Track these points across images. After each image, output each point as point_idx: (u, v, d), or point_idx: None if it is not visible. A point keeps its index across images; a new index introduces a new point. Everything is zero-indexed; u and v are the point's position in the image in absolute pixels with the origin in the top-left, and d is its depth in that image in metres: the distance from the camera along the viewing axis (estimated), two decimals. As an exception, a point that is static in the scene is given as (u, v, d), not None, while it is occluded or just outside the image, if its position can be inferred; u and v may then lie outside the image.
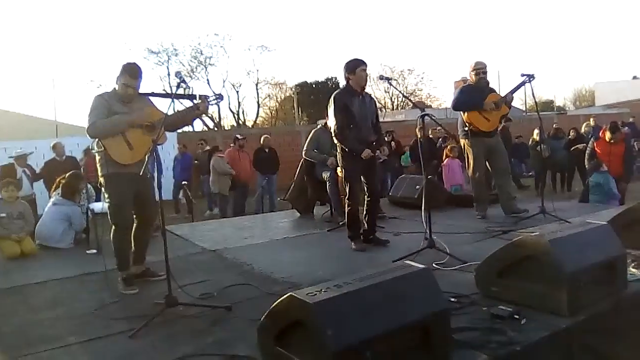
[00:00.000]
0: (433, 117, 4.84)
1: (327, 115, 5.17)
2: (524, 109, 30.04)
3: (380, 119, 5.40)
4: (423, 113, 4.67)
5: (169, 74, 30.62)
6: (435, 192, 6.90)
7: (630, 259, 3.57)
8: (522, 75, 5.93)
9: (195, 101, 4.14)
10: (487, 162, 6.27)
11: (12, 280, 4.60)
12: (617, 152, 8.14)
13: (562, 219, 5.55)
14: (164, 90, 26.03)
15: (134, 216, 4.15)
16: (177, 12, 50.47)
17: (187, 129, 16.29)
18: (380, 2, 63.08)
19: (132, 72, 4.02)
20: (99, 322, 3.36)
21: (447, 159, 9.90)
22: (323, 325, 2.10)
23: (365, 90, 5.09)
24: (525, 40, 74.37)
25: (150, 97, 4.39)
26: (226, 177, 10.91)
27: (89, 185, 6.60)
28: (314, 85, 36.79)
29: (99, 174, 4.06)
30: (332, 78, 36.40)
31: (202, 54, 32.07)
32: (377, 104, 5.60)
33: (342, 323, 2.14)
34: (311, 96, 35.32)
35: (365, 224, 5.14)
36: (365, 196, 5.12)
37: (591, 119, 14.91)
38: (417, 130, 10.54)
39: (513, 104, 6.48)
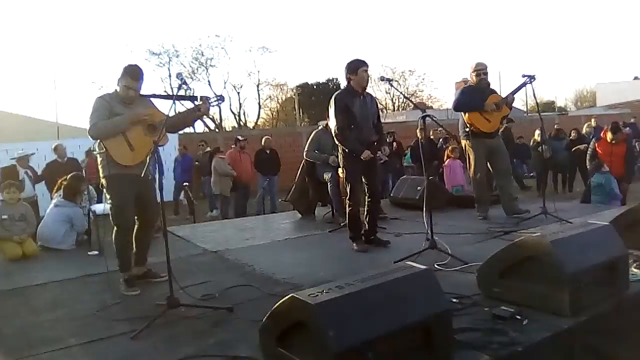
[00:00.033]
0: (434, 118, 4.83)
1: (328, 116, 5.18)
2: (525, 109, 30.05)
3: (382, 120, 5.40)
4: (424, 114, 4.67)
5: (170, 76, 30.70)
6: (436, 192, 6.90)
7: (632, 260, 3.57)
8: (523, 76, 5.93)
9: (196, 102, 4.14)
10: (488, 163, 6.27)
11: (13, 281, 4.61)
12: (618, 153, 8.14)
13: (564, 219, 5.54)
14: (165, 91, 26.07)
15: (135, 217, 4.15)
16: (178, 14, 50.64)
17: (188, 130, 16.37)
18: (381, 3, 63.15)
19: (133, 73, 4.03)
20: (100, 324, 3.36)
21: (448, 160, 9.90)
22: (325, 326, 2.10)
23: (367, 91, 5.09)
24: (526, 41, 74.43)
25: (152, 99, 4.39)
26: (227, 179, 10.92)
27: (90, 187, 6.61)
28: (315, 87, 36.82)
29: (101, 175, 4.07)
30: (333, 79, 36.45)
31: (203, 55, 32.15)
32: (379, 104, 5.59)
33: (344, 324, 2.14)
34: (312, 97, 35.35)
35: (366, 225, 5.13)
36: (366, 197, 5.12)
37: (592, 120, 14.90)
38: (417, 131, 10.63)
39: (514, 104, 6.47)
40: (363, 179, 5.07)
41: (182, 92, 3.91)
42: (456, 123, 6.52)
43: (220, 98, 4.29)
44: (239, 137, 11.71)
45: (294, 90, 34.70)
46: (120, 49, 43.81)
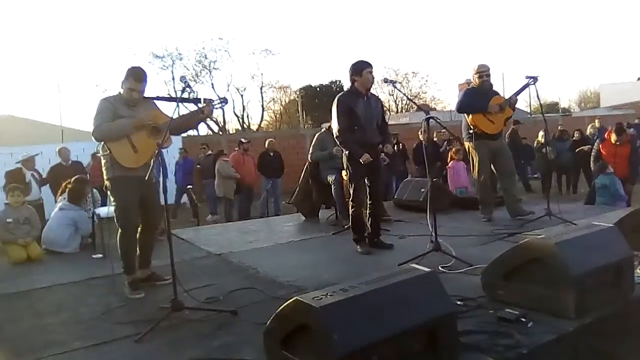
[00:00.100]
0: (438, 120, 4.83)
1: (331, 117, 5.18)
2: (528, 111, 29.98)
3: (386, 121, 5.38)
4: (428, 116, 4.66)
5: (173, 78, 30.73)
6: (440, 194, 6.89)
7: (637, 261, 3.55)
8: (527, 77, 5.92)
9: (199, 105, 4.15)
10: (492, 165, 6.26)
11: (18, 285, 4.62)
12: (622, 154, 8.13)
13: (568, 221, 5.53)
14: (168, 94, 26.12)
15: (139, 220, 4.15)
16: (181, 17, 50.64)
17: (192, 132, 16.44)
18: (384, 5, 63.19)
19: (137, 75, 4.04)
20: (104, 327, 3.37)
21: (452, 162, 9.88)
22: (329, 329, 2.10)
23: (371, 92, 5.09)
24: (529, 42, 74.25)
25: (155, 101, 4.40)
26: (231, 181, 10.93)
27: (94, 190, 6.63)
28: (318, 89, 36.80)
29: (105, 177, 4.08)
30: (336, 81, 36.41)
31: (206, 58, 32.17)
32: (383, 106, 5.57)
33: (348, 327, 2.14)
34: (315, 99, 35.33)
35: (369, 228, 5.12)
36: (367, 199, 5.11)
37: (596, 121, 14.86)
38: (419, 133, 10.62)
39: (518, 106, 6.46)
40: (366, 181, 5.07)
41: (185, 95, 3.92)
42: (459, 125, 6.52)
43: (224, 100, 4.29)
44: (243, 140, 11.73)
45: (297, 93, 34.66)
46: (124, 52, 43.86)
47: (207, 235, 6.65)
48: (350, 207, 5.09)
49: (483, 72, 6.13)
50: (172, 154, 12.24)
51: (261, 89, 35.76)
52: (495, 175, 6.47)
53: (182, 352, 2.85)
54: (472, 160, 6.31)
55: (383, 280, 2.44)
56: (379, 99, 5.33)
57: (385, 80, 5.27)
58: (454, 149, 10.01)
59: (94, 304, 3.88)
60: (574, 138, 12.25)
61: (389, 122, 5.90)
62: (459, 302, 3.22)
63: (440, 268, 4.04)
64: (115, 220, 4.11)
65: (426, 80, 47.94)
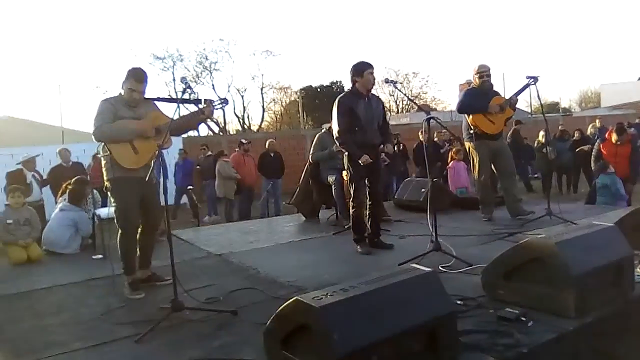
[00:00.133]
0: (438, 120, 4.83)
1: (331, 118, 5.18)
2: (529, 111, 29.96)
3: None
4: (428, 116, 4.66)
5: (174, 80, 30.72)
6: (440, 194, 6.89)
7: (637, 261, 3.55)
8: (527, 77, 5.92)
9: (200, 106, 4.15)
10: (492, 165, 6.26)
11: (18, 286, 4.62)
12: (623, 154, 8.13)
13: (569, 220, 5.53)
14: (169, 95, 26.15)
15: (140, 220, 4.15)
16: (182, 18, 50.65)
17: (192, 133, 16.45)
18: (385, 5, 63.19)
19: (137, 76, 4.04)
20: (104, 327, 3.37)
21: (452, 162, 9.88)
22: (329, 329, 2.10)
23: (372, 92, 5.09)
24: (530, 42, 74.21)
25: (156, 102, 4.40)
26: (231, 182, 10.93)
27: (94, 191, 6.63)
28: (318, 89, 36.80)
29: (105, 178, 4.08)
30: (337, 82, 36.40)
31: (207, 59, 32.19)
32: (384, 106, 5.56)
33: (348, 327, 2.14)
34: (316, 100, 35.33)
35: (369, 228, 5.12)
36: (367, 199, 5.11)
37: (597, 121, 14.85)
38: (420, 133, 10.61)
39: (518, 106, 6.46)
40: (366, 181, 5.06)
41: (186, 96, 3.92)
42: (460, 125, 6.52)
43: (224, 101, 4.29)
44: (243, 141, 11.73)
45: (298, 94, 34.64)
46: (125, 53, 43.91)
47: (208, 235, 6.65)
48: (350, 208, 5.09)
49: (483, 73, 6.13)
50: (172, 154, 12.25)
51: (262, 89, 35.79)
52: (495, 175, 6.47)
53: (183, 353, 2.85)
54: (473, 160, 6.31)
55: (383, 280, 2.44)
56: (380, 99, 5.32)
57: (386, 81, 5.27)
58: (454, 149, 10.01)
59: (94, 305, 3.88)
60: (574, 138, 12.24)
61: (390, 123, 5.89)
62: (459, 302, 3.22)
63: (440, 268, 4.04)
64: (115, 221, 4.11)
65: (427, 81, 48.01)
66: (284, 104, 39.46)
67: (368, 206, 5.07)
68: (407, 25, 63.97)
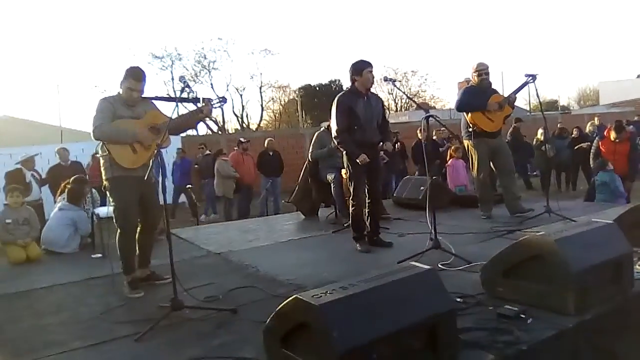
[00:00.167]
0: (437, 118, 4.83)
1: (331, 116, 5.17)
2: (528, 109, 29.97)
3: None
4: (428, 114, 4.65)
5: (172, 79, 30.73)
6: (439, 192, 6.89)
7: (636, 257, 3.55)
8: (526, 75, 5.92)
9: (198, 105, 4.15)
10: (491, 163, 6.26)
11: (17, 285, 4.62)
12: (622, 151, 8.13)
13: (568, 218, 5.53)
14: (168, 94, 26.12)
15: (138, 220, 4.15)
16: (180, 17, 50.64)
17: (191, 132, 16.46)
18: (383, 4, 63.16)
19: (136, 75, 4.04)
20: (104, 326, 3.36)
21: (451, 160, 9.89)
22: (329, 327, 2.10)
23: (372, 91, 5.08)
24: (528, 40, 74.29)
25: (154, 101, 4.40)
26: (230, 181, 10.93)
27: (93, 190, 6.62)
28: (317, 88, 36.79)
29: (104, 177, 4.07)
30: (335, 80, 36.41)
31: (205, 58, 32.16)
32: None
33: (348, 325, 2.14)
34: (315, 99, 35.33)
35: (369, 227, 5.12)
36: (366, 197, 5.11)
37: (595, 118, 14.89)
38: (418, 132, 10.61)
39: (517, 104, 6.46)
40: (365, 180, 5.06)
41: (184, 95, 3.92)
42: (459, 123, 6.51)
43: (223, 100, 4.29)
44: (242, 139, 11.73)
45: (297, 92, 34.66)
46: (123, 53, 43.78)
47: (207, 234, 6.65)
48: (350, 206, 5.09)
49: (482, 71, 6.12)
50: (170, 153, 12.24)
51: (260, 88, 35.78)
52: (494, 173, 6.47)
53: (182, 351, 2.85)
54: (472, 158, 6.31)
55: (382, 278, 2.44)
56: (380, 98, 5.32)
57: (385, 79, 5.27)
58: (453, 147, 10.02)
59: (93, 304, 3.88)
60: (573, 136, 12.25)
61: (389, 121, 5.88)
62: (458, 300, 3.22)
63: (439, 265, 4.04)
64: (114, 220, 4.11)
65: (425, 79, 48.07)
66: (282, 102, 39.48)
67: (367, 204, 5.07)
68: (406, 23, 64.04)
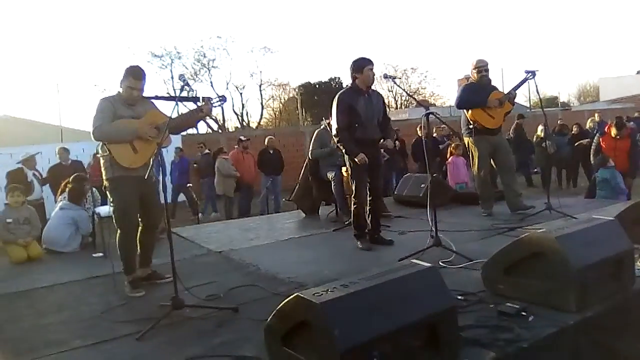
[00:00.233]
0: (437, 115, 4.82)
1: (331, 114, 5.17)
2: (528, 105, 29.96)
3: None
4: (427, 112, 4.65)
5: (172, 77, 30.77)
6: (440, 190, 6.89)
7: (637, 254, 3.55)
8: (526, 72, 5.91)
9: (198, 103, 4.14)
10: (491, 160, 6.25)
11: (18, 284, 4.63)
12: (622, 148, 8.13)
13: (569, 215, 5.53)
14: (167, 93, 26.15)
15: (139, 219, 4.15)
16: (179, 16, 50.62)
17: (191, 131, 16.44)
18: (383, 1, 63.07)
19: (136, 74, 4.03)
20: (105, 325, 3.37)
21: (451, 157, 9.88)
22: (330, 325, 2.09)
23: (372, 88, 5.07)
24: (528, 37, 74.21)
25: (154, 101, 4.39)
26: (231, 179, 10.92)
27: (94, 189, 6.62)
28: (317, 86, 36.83)
29: (104, 177, 4.07)
30: (335, 78, 36.47)
31: (205, 56, 32.21)
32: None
33: (349, 323, 2.13)
34: (315, 97, 35.36)
35: (370, 224, 5.12)
36: (367, 195, 5.10)
37: (596, 115, 14.86)
38: (418, 129, 10.59)
39: (517, 100, 6.45)
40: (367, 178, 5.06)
41: (184, 94, 3.91)
42: (459, 120, 6.51)
43: (223, 98, 4.29)
44: (242, 138, 11.71)
45: (297, 90, 34.70)
46: (123, 52, 43.87)
47: (208, 233, 6.65)
48: (352, 204, 5.08)
49: (482, 67, 6.11)
50: (171, 152, 12.24)
51: (260, 86, 35.81)
52: (495, 170, 6.47)
53: (183, 350, 2.85)
54: (472, 156, 6.31)
55: (383, 276, 2.44)
56: (381, 95, 5.30)
57: (385, 76, 5.30)
58: (453, 145, 10.01)
59: (94, 303, 3.88)
60: (573, 132, 12.24)
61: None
62: (459, 297, 3.22)
63: (440, 263, 4.03)
64: (114, 220, 4.10)
65: (425, 76, 48.04)
66: (282, 100, 39.51)
67: (368, 202, 5.07)
68: (405, 20, 63.96)
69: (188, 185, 11.32)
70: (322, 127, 7.07)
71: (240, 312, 3.39)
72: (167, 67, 31.39)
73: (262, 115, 37.45)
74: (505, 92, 6.22)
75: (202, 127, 28.03)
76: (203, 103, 4.13)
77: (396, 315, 2.29)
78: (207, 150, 12.65)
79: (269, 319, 2.47)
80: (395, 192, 8.13)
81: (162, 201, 3.99)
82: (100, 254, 5.48)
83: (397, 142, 11.37)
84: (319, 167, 6.86)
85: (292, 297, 2.32)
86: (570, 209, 5.85)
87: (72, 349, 3.01)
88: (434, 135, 11.12)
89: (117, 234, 4.09)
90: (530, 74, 5.88)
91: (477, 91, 6.05)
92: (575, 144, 11.58)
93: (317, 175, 6.93)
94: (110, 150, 3.95)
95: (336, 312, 2.14)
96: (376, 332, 2.19)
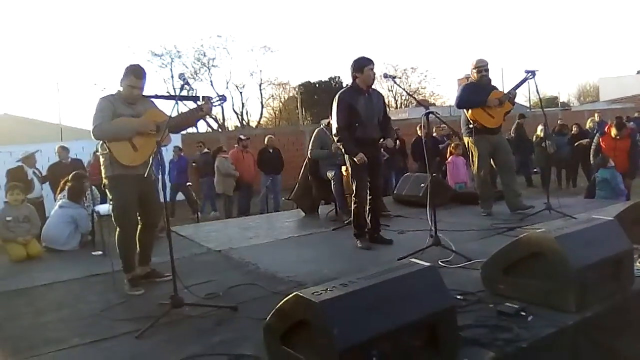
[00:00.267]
0: (437, 115, 4.82)
1: (331, 114, 5.17)
2: (528, 105, 29.96)
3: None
4: (427, 111, 4.65)
5: (172, 76, 30.77)
6: (440, 189, 6.89)
7: (636, 254, 3.55)
8: (526, 71, 5.91)
9: (198, 102, 4.14)
10: (491, 160, 6.25)
11: (18, 282, 4.62)
12: (622, 148, 8.13)
13: (568, 215, 5.53)
14: (167, 92, 26.14)
15: (139, 218, 4.15)
16: (179, 15, 50.59)
17: (191, 130, 16.42)
18: (383, 1, 63.05)
19: (136, 72, 4.03)
20: (104, 323, 3.36)
21: (451, 157, 9.88)
22: (329, 324, 2.09)
23: (373, 87, 5.07)
24: (528, 37, 74.20)
25: (154, 100, 4.39)
26: (230, 178, 10.92)
27: (93, 187, 6.62)
28: (317, 85, 36.82)
29: (104, 175, 4.07)
30: (335, 77, 36.47)
31: (205, 55, 32.20)
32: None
33: (348, 322, 2.13)
34: (315, 96, 35.35)
35: (369, 224, 5.12)
36: (367, 194, 5.10)
37: (596, 115, 14.86)
38: (418, 128, 10.59)
39: (517, 100, 6.44)
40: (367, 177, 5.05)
41: (184, 93, 3.91)
42: (459, 120, 6.51)
43: (223, 98, 4.28)
44: (242, 137, 11.71)
45: (297, 89, 34.67)
46: (123, 51, 43.85)
47: (207, 231, 6.65)
48: (352, 203, 5.08)
49: (481, 67, 6.11)
50: (171, 151, 12.23)
51: (260, 85, 35.81)
52: (494, 170, 6.47)
53: (182, 348, 2.85)
54: (472, 155, 6.31)
55: (383, 275, 2.44)
56: (381, 94, 5.30)
57: (385, 76, 5.29)
58: (453, 144, 10.01)
59: (93, 301, 3.88)
60: (573, 132, 12.23)
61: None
62: (458, 297, 3.22)
63: (439, 263, 4.03)
64: (113, 219, 4.10)
65: (425, 76, 47.90)
66: (282, 99, 39.51)
67: (368, 201, 5.07)
68: (405, 20, 63.94)
69: (187, 184, 11.31)
70: (321, 126, 7.08)
71: (239, 310, 3.39)
72: (167, 66, 31.43)
73: (262, 114, 37.49)
74: (505, 91, 6.22)
75: (202, 126, 28.09)
76: (203, 102, 4.12)
77: (395, 314, 2.29)
78: (205, 150, 12.65)
79: (268, 318, 2.47)
80: (395, 192, 8.13)
81: (162, 199, 3.99)
82: (100, 252, 5.48)
83: (397, 141, 11.40)
84: (319, 166, 6.86)
85: (291, 296, 2.32)
86: (569, 209, 5.85)
87: (71, 347, 3.01)
88: (434, 134, 11.12)
89: (117, 232, 4.09)
90: (530, 73, 5.87)
91: (477, 91, 6.05)
92: (575, 144, 11.58)
93: (316, 174, 6.93)
94: (110, 149, 3.94)
95: (335, 311, 2.14)
96: (375, 331, 2.19)
